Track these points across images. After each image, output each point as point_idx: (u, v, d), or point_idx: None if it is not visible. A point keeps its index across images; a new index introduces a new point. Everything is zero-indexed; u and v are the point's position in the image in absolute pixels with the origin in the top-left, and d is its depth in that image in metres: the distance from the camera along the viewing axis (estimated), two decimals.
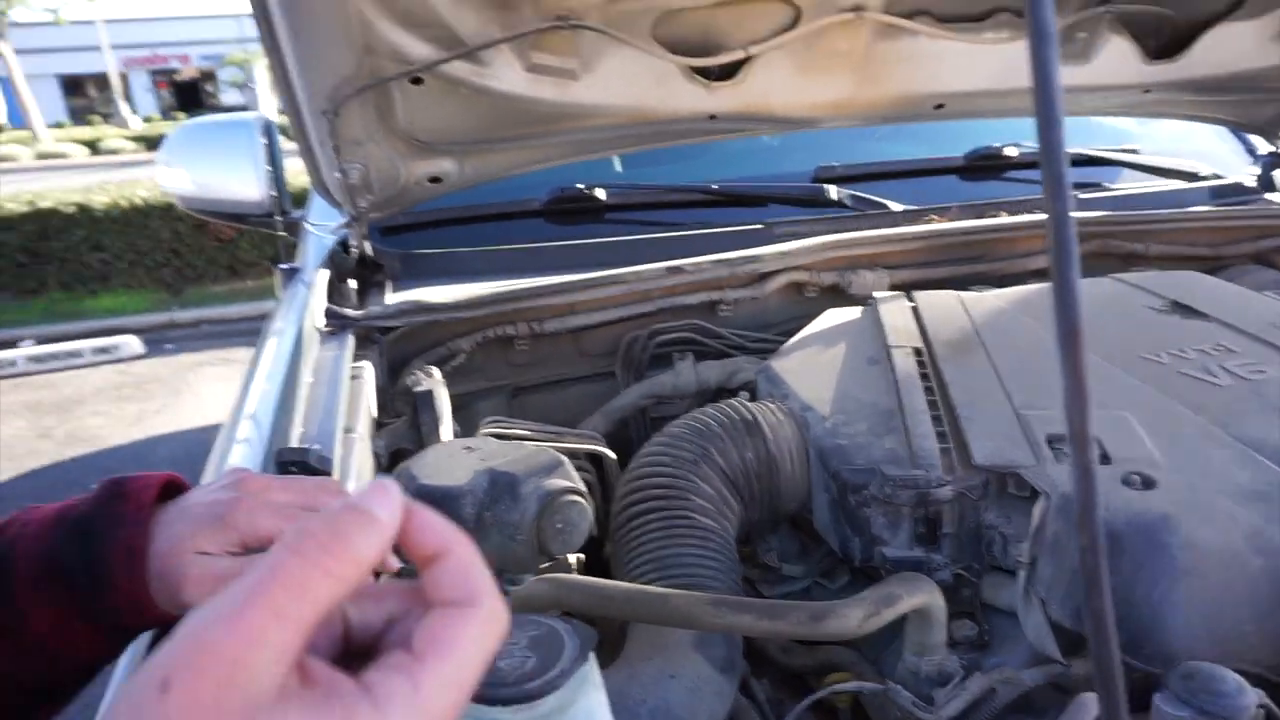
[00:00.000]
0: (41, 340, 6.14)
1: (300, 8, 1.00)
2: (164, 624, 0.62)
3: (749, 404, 1.03)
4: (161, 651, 0.29)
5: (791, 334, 1.24)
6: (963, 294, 1.27)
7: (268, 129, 1.69)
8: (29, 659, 0.59)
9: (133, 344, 5.89)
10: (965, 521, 0.89)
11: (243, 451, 0.92)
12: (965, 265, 1.46)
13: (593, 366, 1.38)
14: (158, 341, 6.18)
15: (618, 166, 1.98)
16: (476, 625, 0.35)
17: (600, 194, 1.59)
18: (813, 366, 1.12)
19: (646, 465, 0.97)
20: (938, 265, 1.46)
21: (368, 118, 1.19)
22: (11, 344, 6.04)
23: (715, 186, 1.61)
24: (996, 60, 1.45)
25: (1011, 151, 1.82)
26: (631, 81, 1.27)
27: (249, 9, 0.98)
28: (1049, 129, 0.30)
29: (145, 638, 0.65)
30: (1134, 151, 1.96)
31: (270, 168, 1.65)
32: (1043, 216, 0.30)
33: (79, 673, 0.62)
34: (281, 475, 0.74)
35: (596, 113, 1.30)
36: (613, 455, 1.10)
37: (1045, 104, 0.30)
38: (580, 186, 1.59)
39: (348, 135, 1.20)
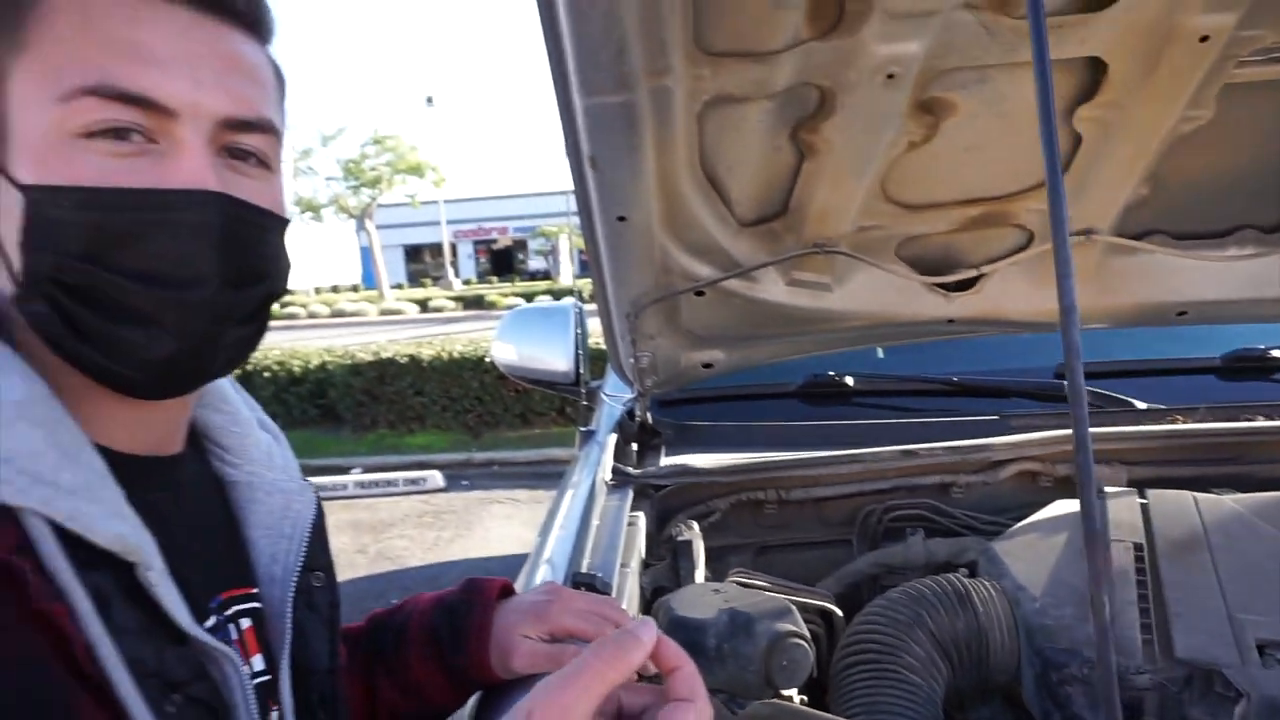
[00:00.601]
0: (367, 469, 7.22)
1: (621, 240, 1.34)
2: (495, 683, 0.88)
3: (964, 579, 1.16)
4: (526, 698, 0.51)
5: (1023, 520, 1.35)
6: (1199, 495, 1.31)
7: (579, 316, 2.09)
8: (409, 697, 0.88)
9: (436, 478, 6.76)
10: (1167, 713, 0.95)
11: (545, 571, 1.20)
12: (1210, 467, 1.49)
13: (832, 533, 1.55)
14: (456, 477, 7.02)
15: (880, 353, 2.19)
16: (694, 714, 0.55)
17: (849, 380, 1.80)
18: (1032, 550, 1.22)
19: (865, 623, 1.13)
20: (1180, 465, 1.50)
21: (659, 319, 1.51)
22: (345, 470, 7.17)
23: (955, 379, 1.76)
24: (1243, 271, 1.52)
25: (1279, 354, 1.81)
26: (877, 292, 1.50)
27: (571, 208, 1.34)
28: None
29: (478, 695, 0.92)
30: None
31: (578, 348, 2.04)
32: None
33: (437, 712, 0.90)
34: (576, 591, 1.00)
35: (846, 317, 1.53)
36: (840, 613, 1.26)
37: None
38: (832, 374, 1.82)
39: (643, 331, 1.52)
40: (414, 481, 6.75)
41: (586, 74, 1.06)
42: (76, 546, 0.49)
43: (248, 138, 0.58)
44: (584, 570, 1.14)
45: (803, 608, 1.23)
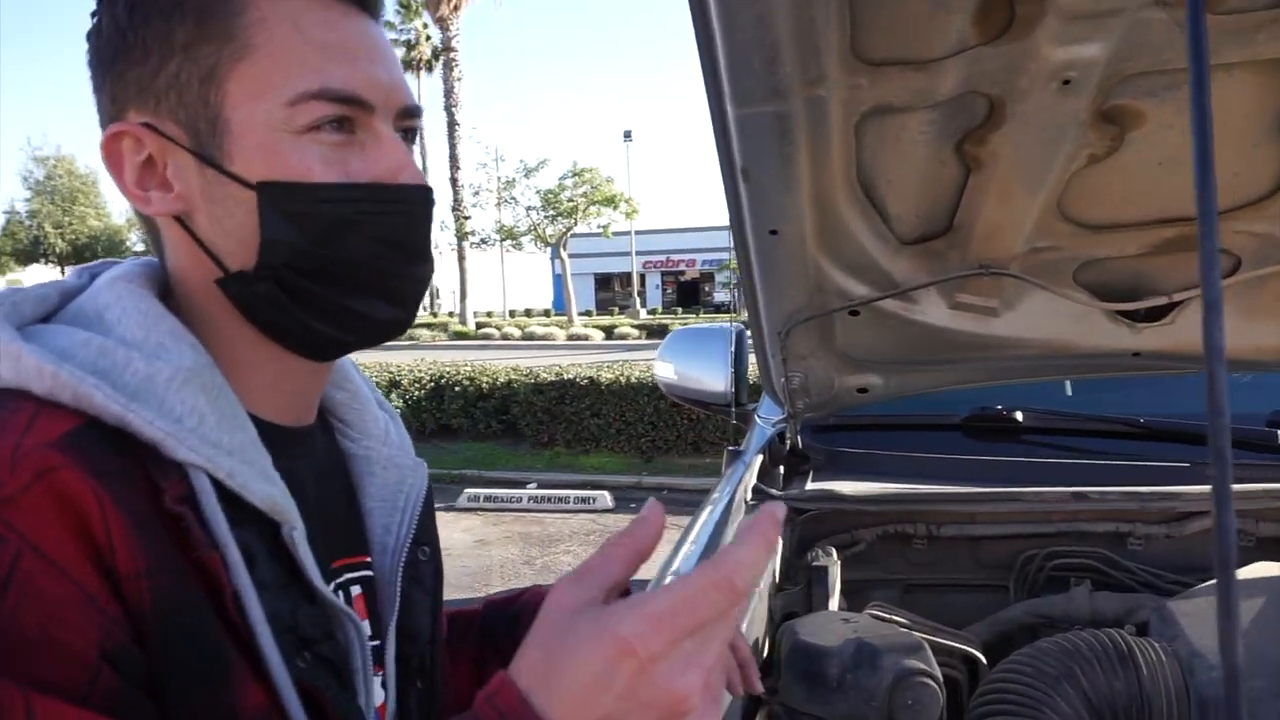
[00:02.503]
0: (542, 485, 7.47)
1: (772, 255, 1.33)
2: None
3: (1130, 636, 1.04)
4: (613, 617, 0.44)
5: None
6: None
7: (738, 337, 2.08)
8: None
9: (605, 498, 6.89)
10: None
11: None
12: None
13: (987, 576, 1.44)
14: (625, 500, 7.13)
15: (1069, 390, 2.03)
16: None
17: (1019, 416, 1.68)
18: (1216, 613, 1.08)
19: (1007, 671, 1.04)
20: None
21: (811, 339, 1.47)
22: (522, 484, 7.46)
23: (1142, 420, 1.60)
24: None
25: None
26: (1051, 318, 1.39)
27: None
28: None
29: None
30: None
31: (734, 368, 2.03)
32: None
33: None
34: None
35: (1015, 345, 1.43)
36: (984, 660, 1.16)
37: None
38: (1000, 408, 1.70)
39: (795, 351, 1.49)
40: (584, 500, 6.92)
41: (738, 82, 1.05)
42: (230, 504, 0.53)
43: (412, 123, 0.64)
44: None
45: (942, 649, 1.15)
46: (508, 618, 0.90)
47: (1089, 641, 1.04)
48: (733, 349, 2.03)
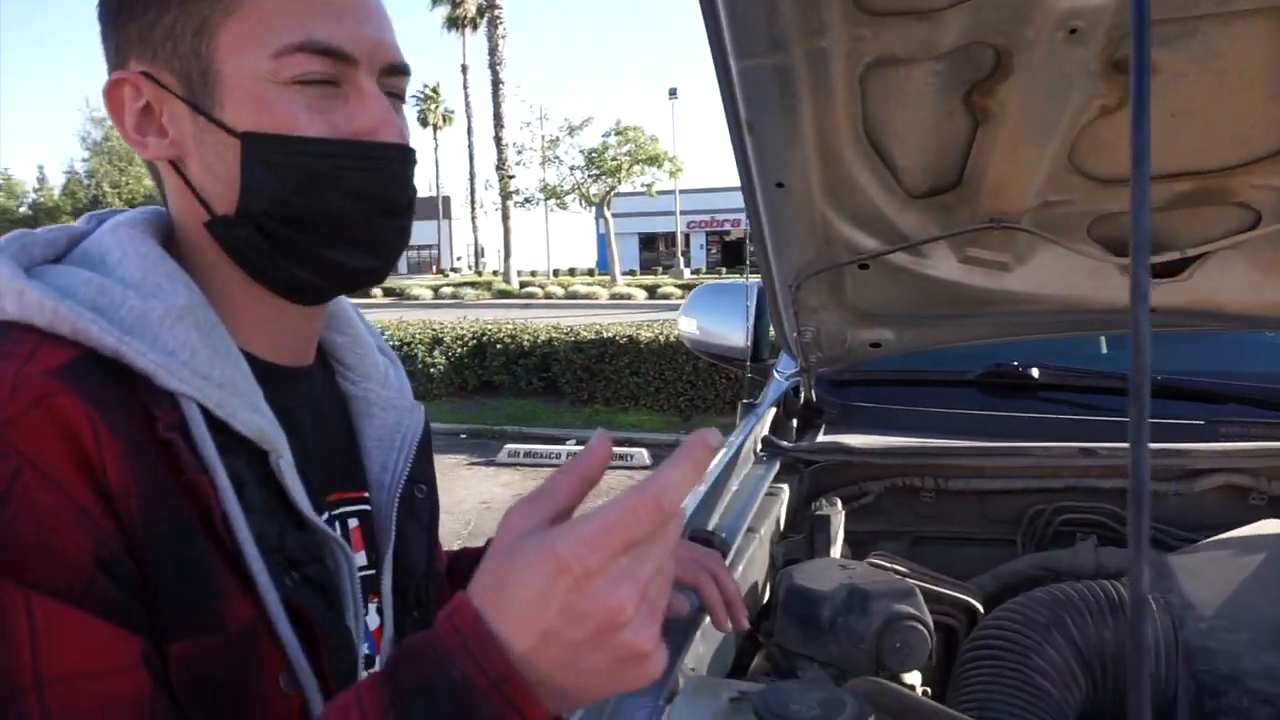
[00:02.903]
0: (581, 442, 7.56)
1: (780, 208, 1.33)
2: None
3: (1121, 587, 1.05)
4: (549, 537, 0.46)
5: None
6: None
7: (758, 293, 2.09)
8: None
9: (642, 456, 6.96)
10: None
11: None
12: None
13: (995, 531, 1.45)
14: (661, 458, 7.14)
15: (1104, 347, 2.01)
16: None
17: (1034, 372, 1.67)
18: (1214, 568, 1.09)
19: (998, 618, 1.05)
20: None
21: (822, 292, 1.48)
22: (562, 440, 7.56)
23: (1158, 378, 1.58)
24: None
25: None
26: (1064, 274, 1.38)
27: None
28: None
29: None
30: None
31: (751, 323, 2.04)
32: None
33: None
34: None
35: (1028, 300, 1.42)
36: (983, 610, 1.18)
37: None
38: (1015, 364, 1.69)
39: (806, 304, 1.50)
40: (620, 458, 6.99)
41: (739, 35, 1.06)
42: (220, 433, 0.57)
43: (398, 80, 0.67)
44: (707, 528, 1.15)
45: (941, 598, 1.17)
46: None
47: (1080, 591, 1.05)
48: (750, 304, 2.03)
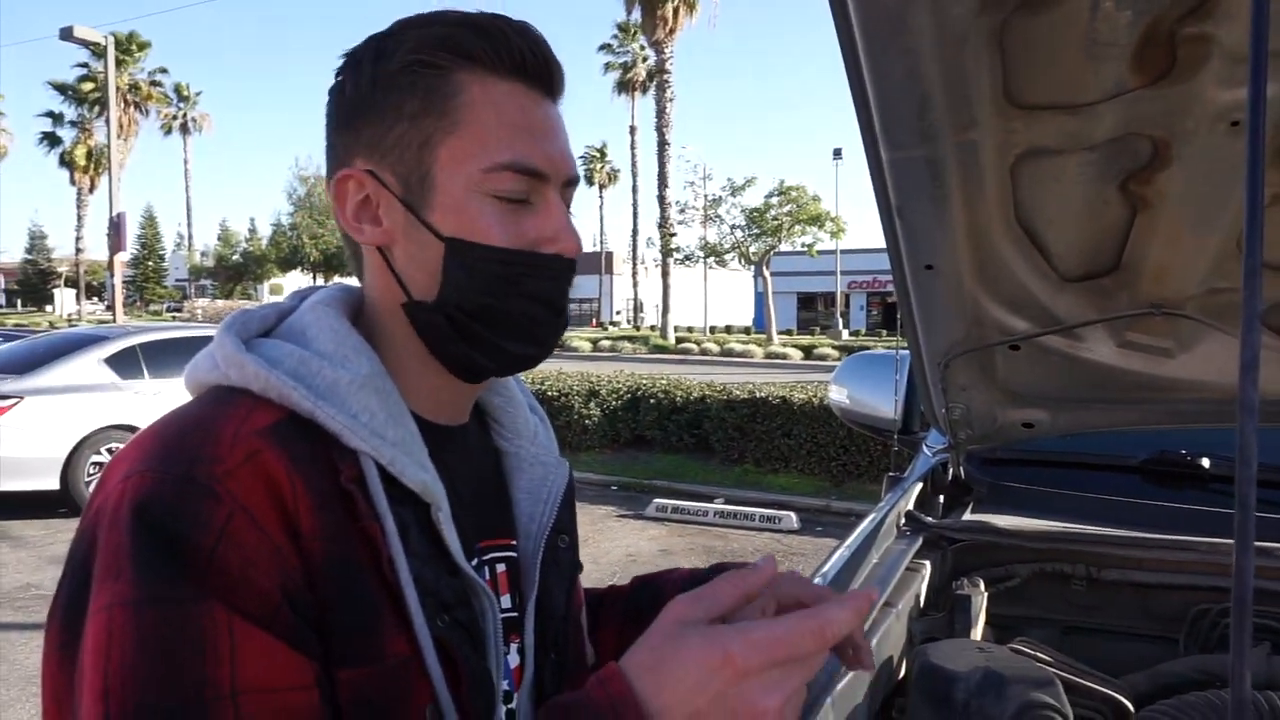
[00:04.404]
0: (729, 501, 7.55)
1: (929, 289, 1.36)
2: None
3: None
4: (728, 631, 0.56)
5: None
6: None
7: (907, 364, 2.08)
8: None
9: (791, 519, 6.86)
10: None
11: None
12: None
13: (1156, 628, 1.39)
14: (811, 522, 7.06)
15: None
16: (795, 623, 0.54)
17: (1204, 462, 1.59)
18: None
19: (1145, 717, 1.02)
20: None
21: (972, 371, 1.48)
22: (710, 498, 7.58)
23: None
24: None
25: None
26: (1231, 362, 1.32)
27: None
28: None
29: None
30: None
31: (900, 395, 2.04)
32: None
33: None
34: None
35: (1191, 388, 1.37)
36: (1132, 709, 1.14)
37: None
38: (1183, 452, 1.61)
39: (955, 382, 1.50)
40: (769, 519, 6.93)
41: (890, 128, 1.12)
42: (391, 485, 0.67)
43: (571, 190, 0.78)
44: None
45: (1087, 692, 1.14)
46: (651, 591, 1.00)
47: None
48: (901, 377, 2.04)
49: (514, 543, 0.81)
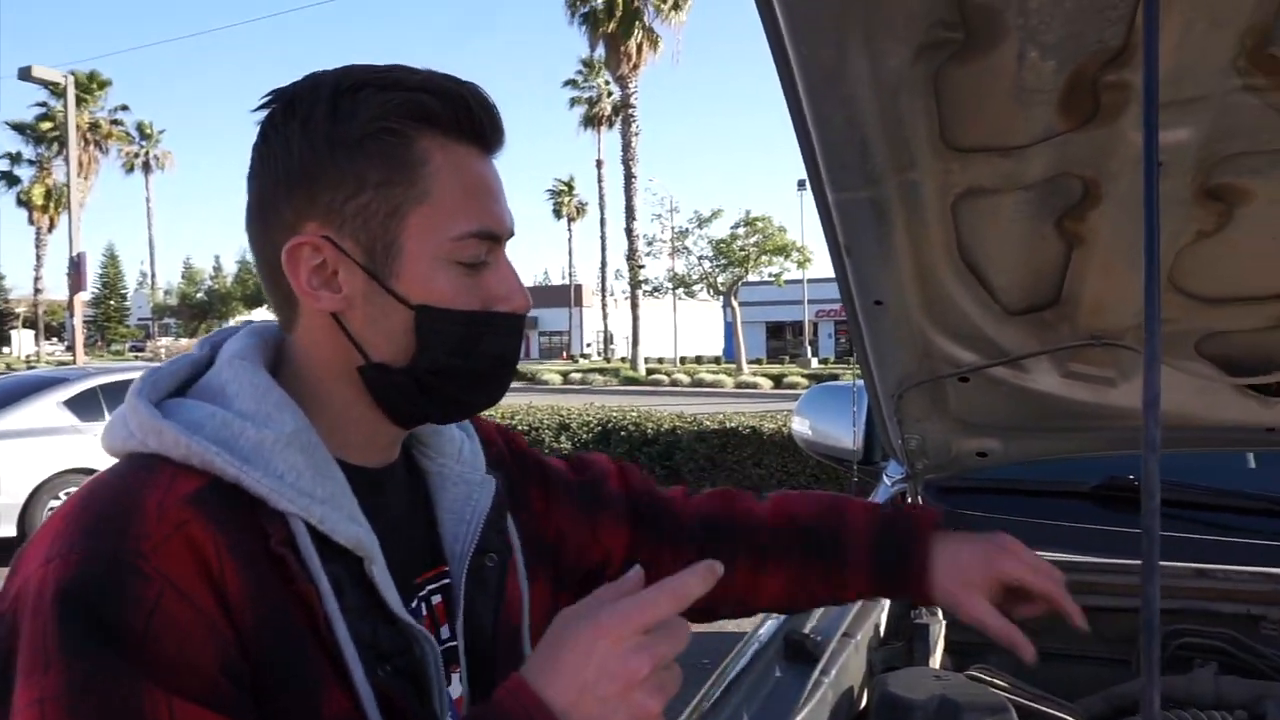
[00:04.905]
0: None
1: (880, 324, 1.40)
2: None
3: None
4: (588, 615, 0.62)
5: None
6: None
7: (859, 396, 2.12)
8: (834, 595, 1.05)
9: None
10: None
11: (763, 627, 1.27)
12: None
13: (1109, 650, 1.42)
14: None
15: (1251, 461, 1.94)
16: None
17: None
18: None
19: None
20: None
21: (925, 403, 1.52)
22: None
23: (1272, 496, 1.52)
24: None
25: None
26: (1174, 391, 1.37)
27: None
28: None
29: None
30: None
31: (859, 426, 2.07)
32: None
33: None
34: None
35: (1134, 415, 1.42)
36: None
37: None
38: (1131, 477, 1.66)
39: (909, 413, 1.54)
40: None
41: (834, 171, 1.15)
42: (322, 542, 0.67)
43: (508, 243, 0.79)
44: (805, 631, 1.20)
45: (1040, 716, 1.16)
46: (830, 538, 1.05)
47: None
48: (855, 408, 2.07)
49: (447, 569, 0.81)
